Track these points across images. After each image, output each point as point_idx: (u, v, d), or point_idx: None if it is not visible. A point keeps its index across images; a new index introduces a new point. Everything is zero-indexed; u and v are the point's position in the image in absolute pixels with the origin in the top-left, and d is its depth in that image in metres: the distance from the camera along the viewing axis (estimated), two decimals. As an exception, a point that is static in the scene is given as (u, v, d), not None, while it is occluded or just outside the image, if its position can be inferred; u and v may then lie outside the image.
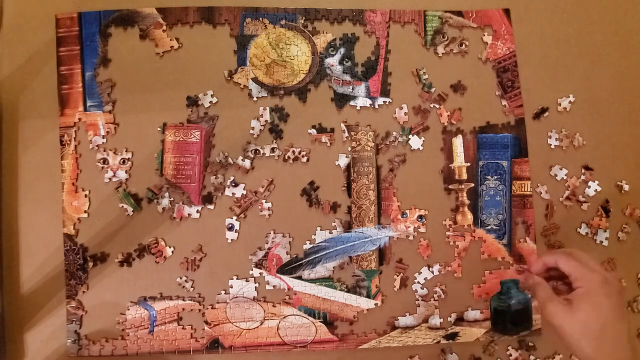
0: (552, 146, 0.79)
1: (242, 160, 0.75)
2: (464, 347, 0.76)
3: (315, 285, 0.75)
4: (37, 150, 0.74)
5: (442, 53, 0.79)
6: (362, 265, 0.75)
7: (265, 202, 0.75)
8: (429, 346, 0.75)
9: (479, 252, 0.77)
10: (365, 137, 0.77)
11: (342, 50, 0.78)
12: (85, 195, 0.73)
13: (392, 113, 0.78)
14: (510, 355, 0.76)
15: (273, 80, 0.77)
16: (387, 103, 0.78)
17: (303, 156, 0.76)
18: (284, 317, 0.74)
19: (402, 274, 0.76)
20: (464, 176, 0.78)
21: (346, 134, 0.77)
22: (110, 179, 0.74)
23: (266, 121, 0.76)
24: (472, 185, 0.78)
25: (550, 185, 0.79)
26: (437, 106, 0.78)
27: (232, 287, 0.74)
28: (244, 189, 0.75)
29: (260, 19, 0.77)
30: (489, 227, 0.78)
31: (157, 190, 0.74)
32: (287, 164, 0.76)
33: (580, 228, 0.79)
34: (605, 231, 0.79)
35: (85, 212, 0.73)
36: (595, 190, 0.79)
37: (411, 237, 0.76)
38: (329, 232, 0.75)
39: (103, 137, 0.74)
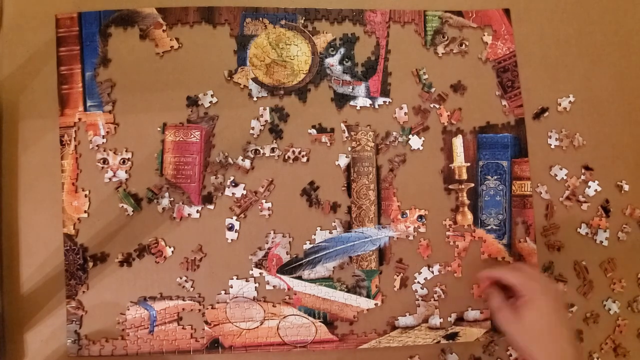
0: (552, 146, 0.79)
1: (242, 160, 0.75)
2: (464, 347, 0.76)
3: (315, 285, 0.75)
4: (37, 150, 0.74)
5: (442, 53, 0.79)
6: (362, 265, 0.75)
7: (265, 202, 0.75)
8: (429, 346, 0.75)
9: (479, 252, 0.77)
10: (365, 137, 0.77)
11: (342, 50, 0.78)
12: (85, 195, 0.73)
13: (392, 113, 0.78)
14: (510, 355, 0.76)
15: (273, 80, 0.77)
16: (387, 103, 0.78)
17: (303, 156, 0.76)
18: (284, 317, 0.74)
19: (402, 274, 0.76)
20: (464, 176, 0.78)
21: (346, 134, 0.77)
22: (110, 179, 0.74)
23: (266, 121, 0.76)
24: (472, 185, 0.78)
25: (550, 185, 0.79)
26: (437, 106, 0.78)
27: (232, 287, 0.74)
28: (244, 189, 0.75)
29: (260, 19, 0.77)
30: (489, 227, 0.78)
31: (157, 190, 0.74)
32: (287, 164, 0.76)
33: (580, 228, 0.79)
34: (605, 231, 0.79)
35: (85, 212, 0.73)
36: (595, 190, 0.79)
37: (411, 237, 0.76)
38: (329, 232, 0.75)
39: (103, 137, 0.74)
